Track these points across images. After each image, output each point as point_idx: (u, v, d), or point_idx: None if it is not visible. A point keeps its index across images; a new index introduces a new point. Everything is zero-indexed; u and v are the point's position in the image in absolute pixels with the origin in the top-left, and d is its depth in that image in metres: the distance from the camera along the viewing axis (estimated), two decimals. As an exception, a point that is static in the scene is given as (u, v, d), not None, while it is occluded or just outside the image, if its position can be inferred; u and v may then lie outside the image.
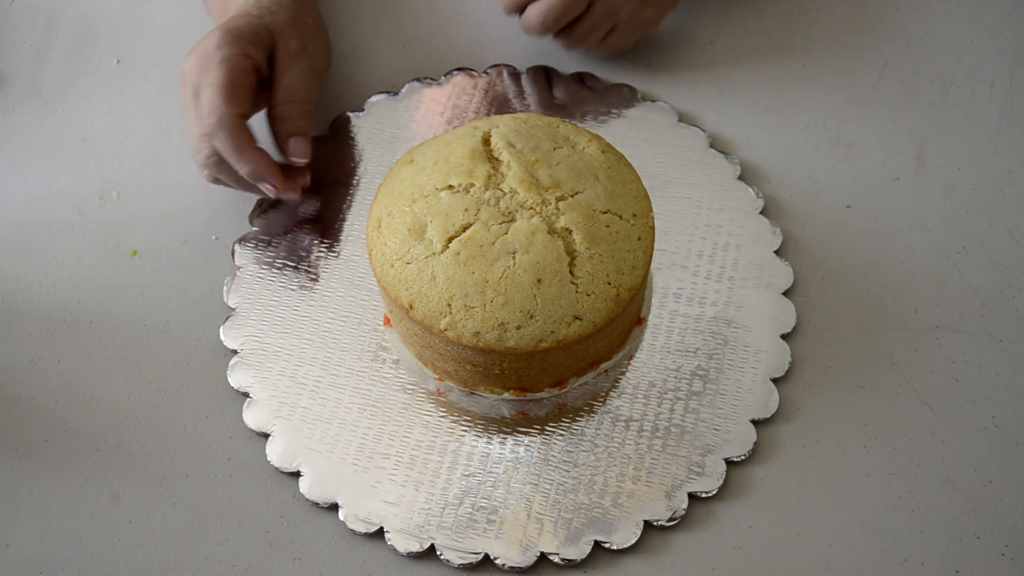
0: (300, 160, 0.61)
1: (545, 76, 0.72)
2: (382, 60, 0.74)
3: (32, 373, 0.61)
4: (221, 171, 0.60)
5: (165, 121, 0.71)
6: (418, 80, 0.72)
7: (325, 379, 0.60)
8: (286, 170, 0.62)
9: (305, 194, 0.65)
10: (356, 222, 0.66)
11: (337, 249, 0.65)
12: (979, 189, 0.67)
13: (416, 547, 0.55)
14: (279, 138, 0.62)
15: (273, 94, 0.62)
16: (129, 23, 0.76)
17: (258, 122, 0.63)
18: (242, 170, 0.59)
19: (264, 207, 0.66)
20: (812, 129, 0.70)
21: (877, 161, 0.69)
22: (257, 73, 0.61)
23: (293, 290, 0.63)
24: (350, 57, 0.74)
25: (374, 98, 0.71)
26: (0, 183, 0.68)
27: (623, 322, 0.57)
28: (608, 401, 0.59)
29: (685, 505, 0.56)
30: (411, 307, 0.53)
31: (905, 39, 0.74)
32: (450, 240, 0.52)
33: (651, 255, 0.55)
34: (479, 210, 0.53)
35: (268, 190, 0.60)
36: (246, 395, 0.60)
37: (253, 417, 0.59)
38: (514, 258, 0.52)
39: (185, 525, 0.56)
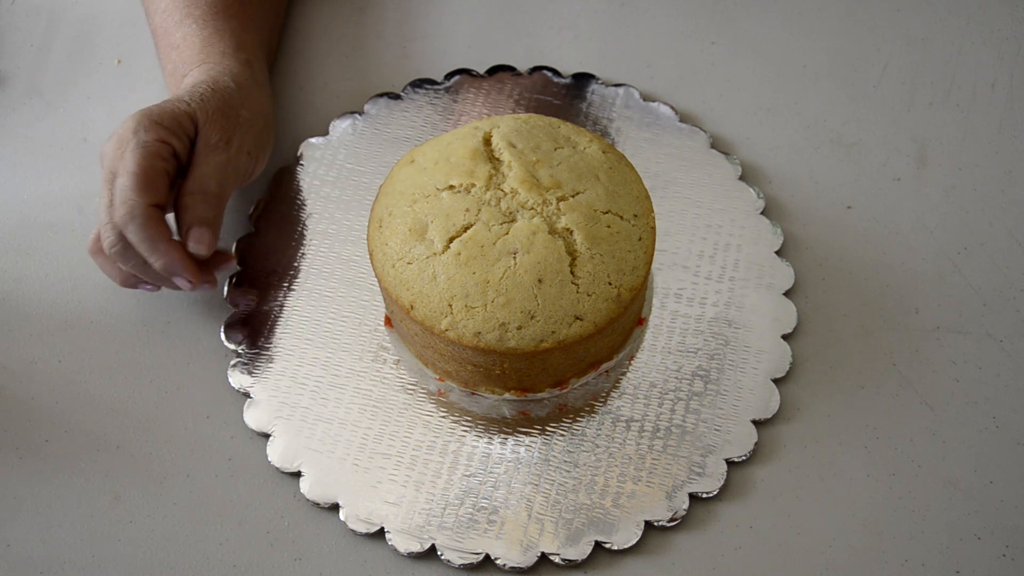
0: (200, 250, 0.58)
1: (546, 76, 0.72)
2: (382, 60, 0.74)
3: (32, 373, 0.61)
4: (128, 261, 0.57)
5: (165, 121, 0.71)
6: (418, 80, 0.72)
7: (326, 379, 0.60)
8: (203, 264, 0.59)
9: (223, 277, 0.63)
10: (357, 222, 0.66)
11: (338, 249, 0.65)
12: (980, 190, 0.67)
13: (417, 547, 0.55)
14: (181, 227, 0.58)
15: (184, 183, 0.58)
16: (130, 23, 0.76)
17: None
18: (155, 263, 0.56)
19: (265, 207, 0.66)
20: (813, 129, 0.70)
21: (878, 161, 0.69)
22: (176, 160, 0.58)
23: (293, 290, 0.63)
24: (350, 57, 0.74)
25: (374, 99, 0.71)
26: (0, 183, 0.68)
27: (624, 322, 0.57)
28: (609, 401, 0.59)
29: (686, 505, 0.56)
30: (412, 307, 0.53)
31: (906, 39, 0.74)
32: (451, 240, 0.52)
33: (652, 255, 0.55)
34: (480, 210, 0.53)
35: (183, 284, 0.58)
36: (246, 395, 0.60)
37: (254, 417, 0.59)
38: (515, 258, 0.52)
39: (186, 525, 0.56)
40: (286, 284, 0.63)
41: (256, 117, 0.63)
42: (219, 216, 0.59)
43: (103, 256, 0.58)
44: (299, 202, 0.67)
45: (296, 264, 0.64)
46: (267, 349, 0.61)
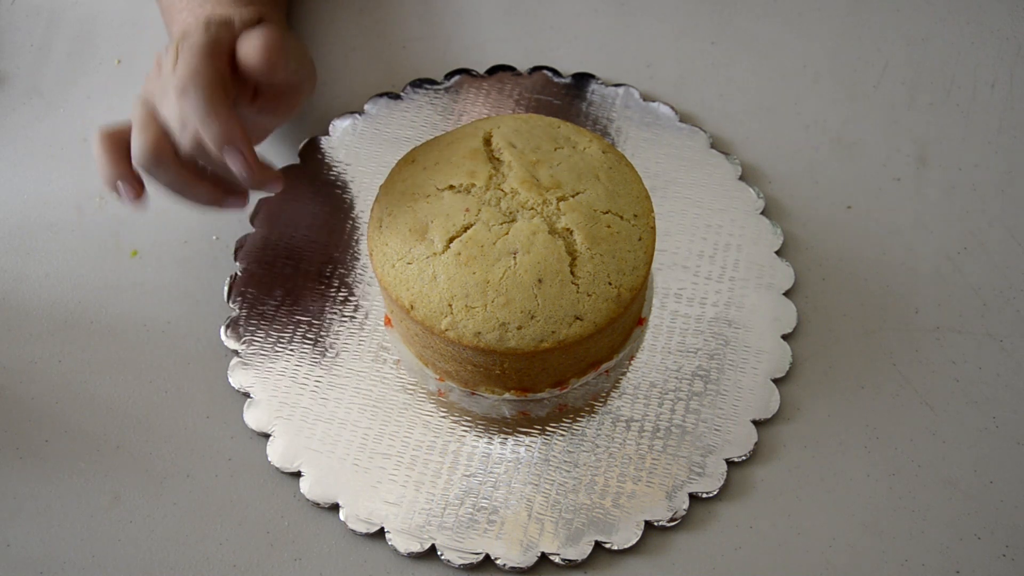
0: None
1: (546, 76, 0.72)
2: (382, 60, 0.74)
3: (32, 373, 0.61)
4: (161, 155, 0.51)
5: (165, 121, 0.71)
6: (418, 80, 0.72)
7: (326, 379, 0.60)
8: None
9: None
10: (357, 222, 0.66)
11: (338, 249, 0.65)
12: (980, 189, 0.67)
13: (417, 547, 0.55)
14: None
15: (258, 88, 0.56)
16: (130, 23, 0.76)
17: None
18: (208, 131, 0.49)
19: (265, 207, 0.66)
20: (813, 129, 0.70)
21: (878, 161, 0.69)
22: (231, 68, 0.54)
23: (294, 290, 0.63)
24: (350, 57, 0.74)
25: (374, 99, 0.71)
26: (0, 183, 0.68)
27: (624, 322, 0.57)
28: (609, 401, 0.59)
29: (686, 505, 0.56)
30: (412, 307, 0.53)
31: (905, 39, 0.74)
32: (451, 240, 0.52)
33: (652, 255, 0.55)
34: (480, 210, 0.53)
35: (237, 164, 0.50)
36: (247, 395, 0.60)
37: (254, 417, 0.59)
38: (515, 258, 0.52)
39: (185, 525, 0.56)
40: (286, 284, 0.63)
41: (301, 46, 0.61)
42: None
43: (175, 163, 0.52)
44: (299, 202, 0.67)
45: (296, 264, 0.64)
46: (267, 349, 0.61)
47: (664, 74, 0.73)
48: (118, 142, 0.54)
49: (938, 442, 0.58)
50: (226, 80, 0.52)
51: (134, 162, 0.53)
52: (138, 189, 0.54)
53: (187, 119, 0.51)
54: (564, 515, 0.56)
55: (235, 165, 0.51)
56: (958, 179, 0.68)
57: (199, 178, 0.54)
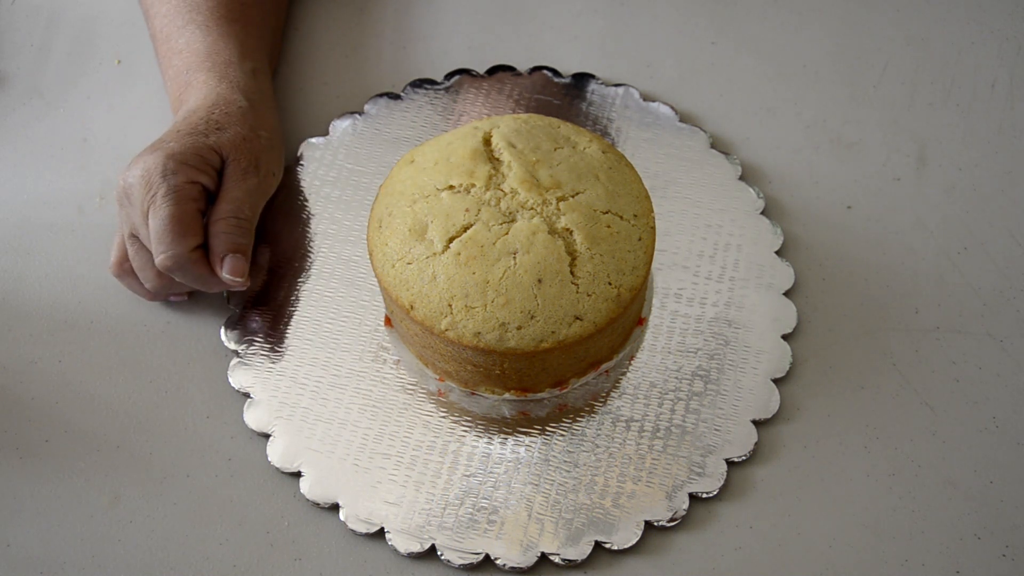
0: (236, 280, 0.58)
1: (546, 76, 0.72)
2: (382, 60, 0.74)
3: (32, 373, 0.61)
4: (173, 289, 0.61)
5: (166, 121, 0.71)
6: (418, 81, 0.72)
7: (326, 379, 0.60)
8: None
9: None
10: (357, 222, 0.66)
11: (338, 249, 0.65)
12: (980, 189, 0.67)
13: (417, 547, 0.55)
14: (214, 254, 0.57)
15: (216, 208, 0.58)
16: (130, 23, 0.76)
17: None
18: (211, 291, 0.61)
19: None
20: (813, 129, 0.70)
21: (878, 161, 0.69)
22: (205, 195, 0.58)
23: (294, 290, 0.63)
24: (350, 57, 0.74)
25: (374, 99, 0.71)
26: (0, 183, 0.68)
27: (624, 322, 0.57)
28: (609, 401, 0.59)
29: (686, 505, 0.56)
30: (412, 307, 0.53)
31: (905, 39, 0.74)
32: (451, 240, 0.52)
33: (652, 255, 0.55)
34: (480, 210, 0.53)
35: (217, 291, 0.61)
36: (247, 395, 0.60)
37: (254, 417, 0.59)
38: (515, 258, 0.52)
39: (185, 525, 0.56)
40: (286, 284, 0.63)
41: (273, 136, 0.63)
42: (251, 241, 0.60)
43: (131, 277, 0.61)
44: (299, 202, 0.67)
45: (296, 264, 0.64)
46: (267, 349, 0.61)
47: (664, 74, 0.73)
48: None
49: (938, 442, 0.58)
50: (201, 241, 0.58)
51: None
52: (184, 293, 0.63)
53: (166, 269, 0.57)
54: (564, 515, 0.56)
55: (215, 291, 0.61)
56: (958, 179, 0.68)
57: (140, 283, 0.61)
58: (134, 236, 0.58)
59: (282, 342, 0.61)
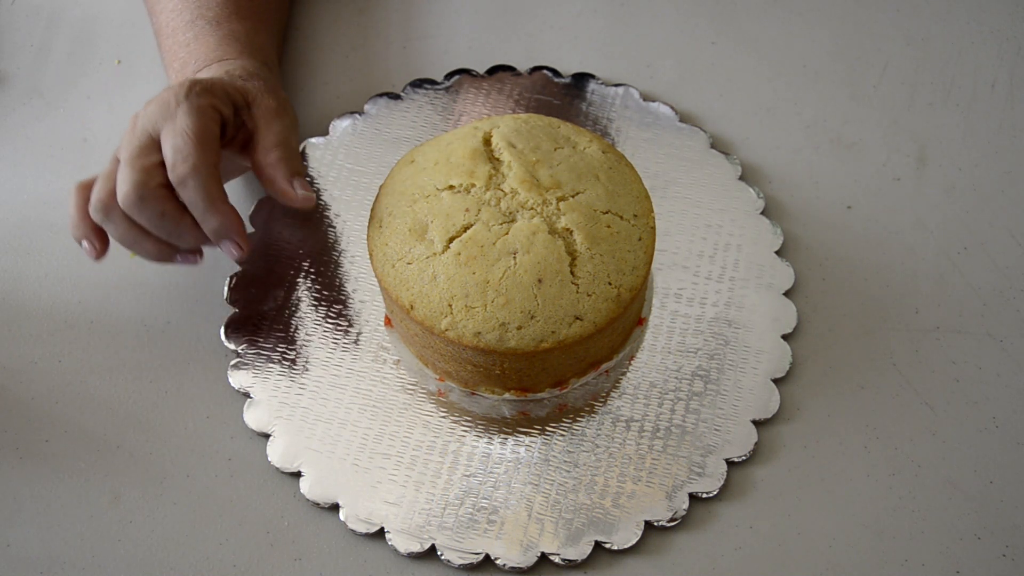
0: (309, 201, 0.57)
1: (546, 76, 0.72)
2: (382, 60, 0.74)
3: (32, 373, 0.61)
4: (172, 223, 0.54)
5: (165, 121, 0.71)
6: (418, 81, 0.72)
7: (326, 379, 0.60)
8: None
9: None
10: (357, 222, 0.66)
11: (338, 249, 0.65)
12: (980, 189, 0.67)
13: (417, 547, 0.55)
14: (278, 183, 0.57)
15: (260, 144, 0.57)
16: (130, 23, 0.76)
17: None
18: (208, 224, 0.54)
19: (265, 207, 0.66)
20: (813, 129, 0.70)
21: (878, 161, 0.69)
22: (223, 131, 0.56)
23: (294, 290, 0.63)
24: (350, 57, 0.74)
25: (374, 99, 0.71)
26: (0, 183, 0.68)
27: (624, 322, 0.57)
28: (609, 401, 0.59)
29: (686, 505, 0.56)
30: (412, 307, 0.53)
31: (905, 39, 0.74)
32: (451, 240, 0.52)
33: (652, 255, 0.55)
34: (480, 210, 0.53)
35: (232, 250, 0.55)
36: (247, 395, 0.60)
37: (254, 417, 0.59)
38: (515, 258, 0.52)
39: (185, 525, 0.56)
40: (286, 284, 0.63)
41: (288, 102, 0.62)
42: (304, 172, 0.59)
43: (117, 215, 0.54)
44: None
45: (296, 264, 0.64)
46: (267, 349, 0.61)
47: (664, 74, 0.73)
48: (88, 194, 0.56)
49: (938, 442, 0.58)
50: (218, 162, 0.55)
51: (89, 210, 0.55)
52: (99, 248, 0.56)
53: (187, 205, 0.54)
54: (564, 515, 0.56)
55: (229, 254, 0.56)
56: (958, 179, 0.68)
57: (146, 235, 0.55)
58: (137, 158, 0.54)
59: (282, 342, 0.61)
